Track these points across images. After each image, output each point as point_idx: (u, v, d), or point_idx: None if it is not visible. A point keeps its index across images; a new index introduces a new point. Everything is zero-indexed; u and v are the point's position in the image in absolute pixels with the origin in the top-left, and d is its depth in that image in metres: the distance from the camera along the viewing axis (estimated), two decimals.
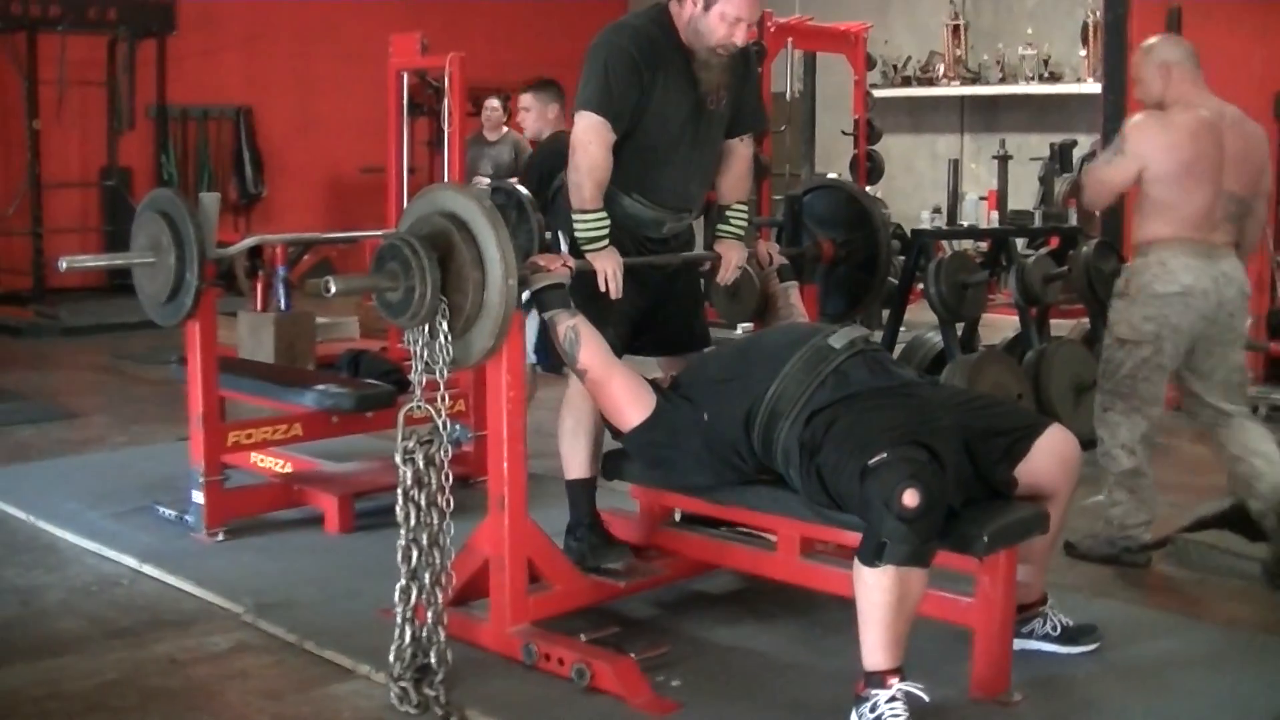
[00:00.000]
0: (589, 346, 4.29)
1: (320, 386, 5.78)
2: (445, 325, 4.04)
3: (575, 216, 4.47)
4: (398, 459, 4.08)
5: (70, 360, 10.63)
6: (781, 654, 4.40)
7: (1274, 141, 9.76)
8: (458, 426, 6.59)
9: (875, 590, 3.64)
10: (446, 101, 7.68)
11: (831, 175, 9.52)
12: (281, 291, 7.02)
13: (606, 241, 4.49)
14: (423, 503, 4.07)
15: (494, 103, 10.34)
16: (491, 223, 4.00)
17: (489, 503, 4.26)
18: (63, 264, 5.33)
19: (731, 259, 4.90)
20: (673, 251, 4.77)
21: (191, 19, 13.85)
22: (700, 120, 4.60)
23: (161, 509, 5.82)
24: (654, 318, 4.76)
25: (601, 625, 4.44)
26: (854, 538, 3.77)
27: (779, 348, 4.25)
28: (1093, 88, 11.92)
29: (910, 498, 3.58)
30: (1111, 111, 8.42)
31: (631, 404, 4.31)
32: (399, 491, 4.08)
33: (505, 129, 10.76)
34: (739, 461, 4.22)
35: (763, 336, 4.59)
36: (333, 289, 4.01)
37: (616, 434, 4.42)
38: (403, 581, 4.06)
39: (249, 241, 6.35)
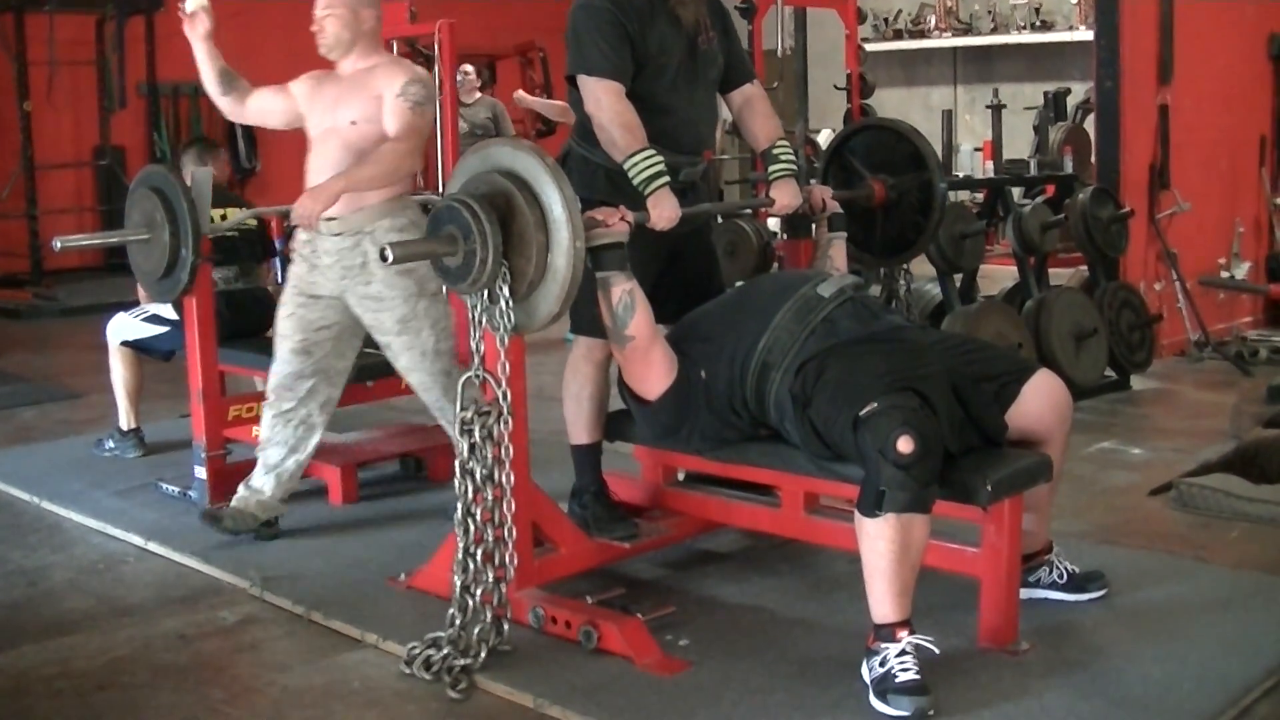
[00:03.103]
0: (641, 314, 4.12)
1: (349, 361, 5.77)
2: (507, 290, 3.88)
3: (625, 166, 4.34)
4: (454, 430, 4.00)
5: (70, 341, 10.61)
6: (789, 610, 4.40)
7: (1269, 83, 9.81)
8: None
9: (878, 540, 3.64)
10: (437, 69, 7.63)
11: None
12: (277, 264, 6.99)
13: (665, 179, 4.32)
14: (479, 476, 3.98)
15: (467, 68, 10.46)
16: (556, 181, 3.78)
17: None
18: (57, 244, 5.31)
19: (786, 199, 4.74)
20: (688, 203, 4.59)
21: None
22: (696, 60, 4.57)
23: (165, 486, 5.83)
24: (669, 282, 4.63)
25: (608, 587, 4.45)
26: (856, 490, 3.76)
27: (768, 299, 4.23)
28: (1085, 35, 11.89)
29: (905, 444, 3.58)
30: (1105, 58, 8.39)
31: (667, 373, 4.21)
32: (456, 464, 3.99)
33: (479, 93, 10.96)
34: (735, 419, 4.21)
35: (753, 287, 4.54)
36: (389, 256, 3.84)
37: (637, 401, 4.33)
38: (459, 555, 4.01)
39: (244, 213, 6.34)
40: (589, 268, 3.96)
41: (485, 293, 3.91)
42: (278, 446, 5.18)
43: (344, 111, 5.06)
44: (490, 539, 4.02)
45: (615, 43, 4.40)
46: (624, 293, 4.09)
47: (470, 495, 3.99)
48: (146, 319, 6.35)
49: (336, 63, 5.17)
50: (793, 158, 4.82)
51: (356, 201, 4.98)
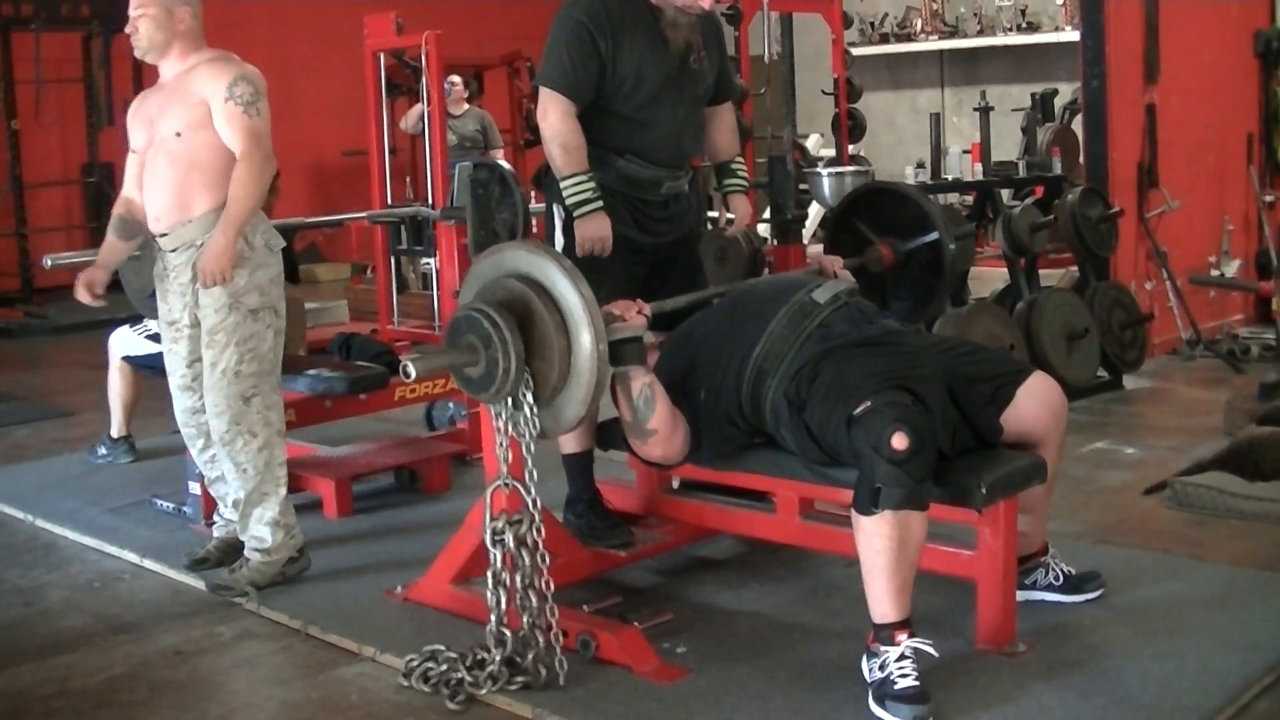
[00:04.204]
0: (662, 405, 4.10)
1: (312, 371, 5.75)
2: (530, 397, 3.81)
3: (561, 185, 4.46)
4: (486, 539, 3.95)
5: (61, 359, 10.61)
6: (786, 615, 4.40)
7: (1255, 80, 9.83)
8: (451, 404, 6.60)
9: (875, 538, 3.64)
10: (424, 80, 7.63)
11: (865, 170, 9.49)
12: None
13: (594, 205, 4.44)
14: (518, 586, 3.91)
15: (454, 79, 10.48)
16: (575, 285, 3.72)
17: (485, 479, 4.23)
18: (47, 262, 5.32)
19: (743, 211, 4.99)
20: (672, 213, 4.73)
21: None
22: (684, 78, 4.60)
23: (160, 502, 5.82)
24: (654, 290, 4.60)
25: (604, 595, 4.46)
26: (851, 496, 3.76)
27: (763, 304, 4.23)
28: (1071, 36, 11.88)
29: (899, 440, 3.59)
30: (1091, 59, 8.40)
31: (686, 438, 4.21)
32: (489, 575, 3.94)
33: (467, 105, 11.05)
34: (733, 429, 4.22)
35: (748, 292, 4.55)
36: (412, 372, 3.76)
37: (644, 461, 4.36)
38: (494, 666, 3.90)
39: None
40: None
41: (509, 400, 3.85)
42: (226, 481, 4.96)
43: (167, 123, 4.78)
44: (542, 644, 3.92)
45: (579, 59, 4.43)
46: (643, 386, 4.06)
47: (502, 608, 3.93)
48: (148, 336, 6.34)
49: (158, 68, 4.90)
50: (746, 174, 5.05)
51: (183, 214, 4.75)
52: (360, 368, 6.05)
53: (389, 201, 7.82)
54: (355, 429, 6.67)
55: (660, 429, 4.11)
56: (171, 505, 5.73)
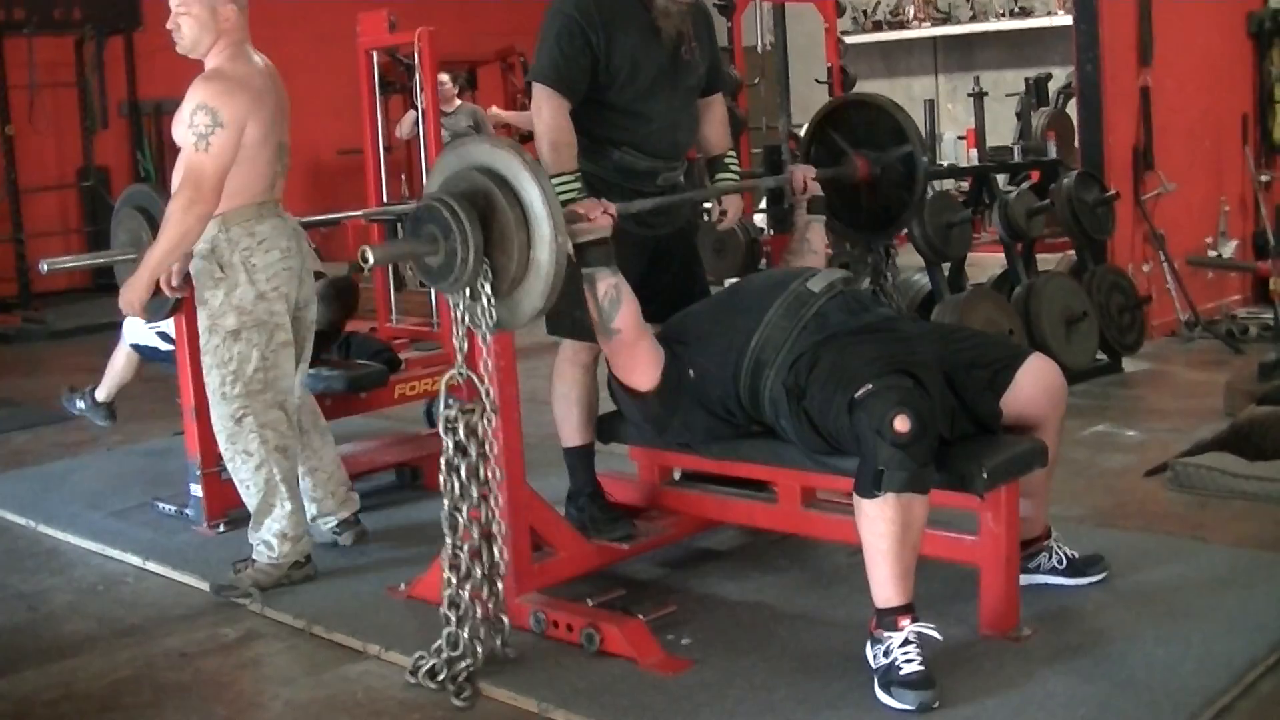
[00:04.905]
0: (627, 307, 4.10)
1: (311, 370, 5.75)
2: (488, 288, 3.83)
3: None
4: (440, 428, 3.97)
5: (60, 363, 10.60)
6: (790, 605, 4.40)
7: (1249, 61, 9.82)
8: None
9: (878, 521, 3.65)
10: (418, 77, 7.62)
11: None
12: None
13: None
14: (464, 474, 3.95)
15: (443, 77, 10.51)
16: (535, 177, 3.75)
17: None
18: (43, 266, 5.30)
19: (735, 205, 5.00)
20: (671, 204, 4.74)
21: (157, 13, 13.57)
22: (677, 69, 4.60)
23: (161, 505, 5.82)
24: (652, 282, 4.63)
25: (608, 588, 4.45)
26: (852, 484, 3.76)
27: (759, 296, 4.23)
28: (1064, 20, 11.87)
29: (901, 423, 3.59)
30: (1084, 42, 8.40)
31: (654, 364, 4.19)
32: (441, 462, 3.97)
33: (458, 101, 11.10)
34: (728, 416, 4.22)
35: (744, 285, 4.55)
36: (370, 258, 3.76)
37: (627, 395, 4.31)
38: (447, 555, 3.98)
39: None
40: (572, 265, 3.93)
41: (467, 290, 3.87)
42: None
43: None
44: (477, 536, 3.99)
45: (571, 53, 4.42)
46: (610, 287, 4.07)
47: (456, 493, 3.97)
48: (159, 333, 6.32)
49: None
50: (739, 168, 5.03)
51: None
52: (359, 366, 6.05)
53: (385, 200, 7.81)
54: (355, 427, 6.66)
55: (625, 330, 4.11)
56: (173, 508, 5.73)
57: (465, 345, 3.99)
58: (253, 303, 4.76)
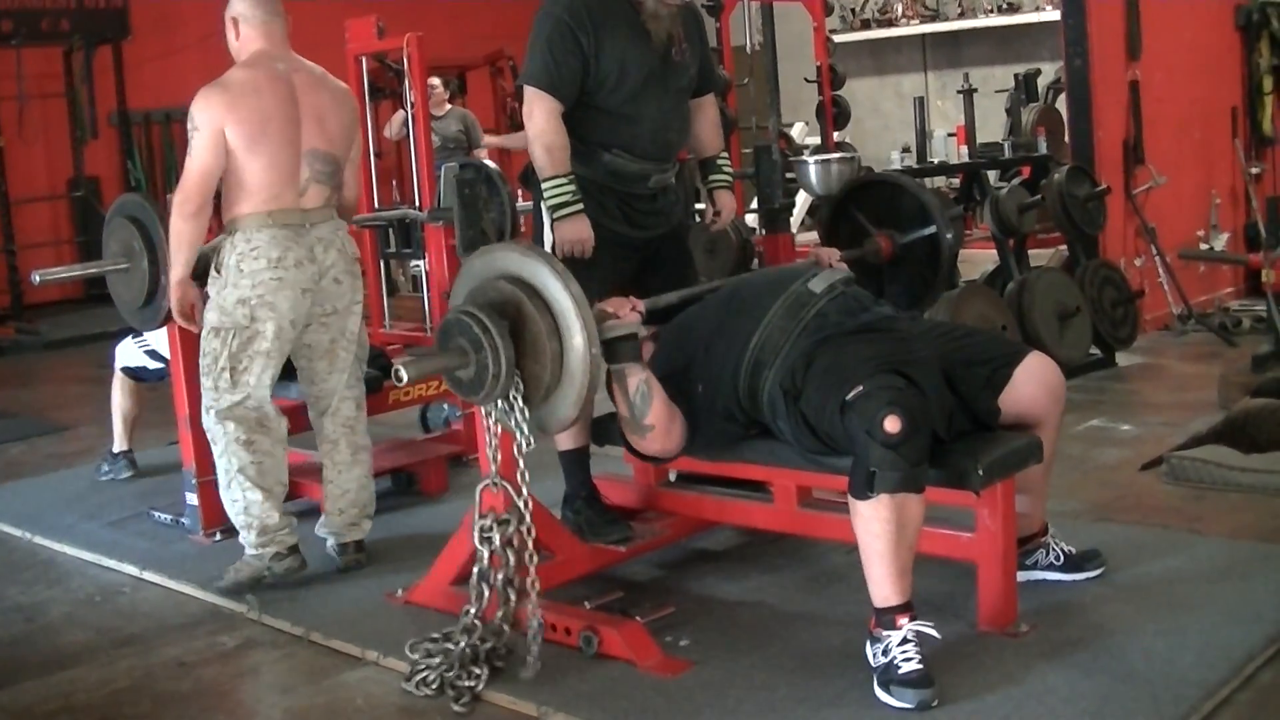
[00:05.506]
0: (658, 400, 4.08)
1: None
2: (521, 400, 3.78)
3: (542, 186, 4.46)
4: (475, 538, 3.98)
5: (55, 374, 10.61)
6: (788, 605, 4.40)
7: (1238, 54, 9.84)
8: (445, 406, 6.60)
9: (873, 522, 3.64)
10: (407, 83, 7.63)
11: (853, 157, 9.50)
12: None
13: (574, 208, 4.44)
14: (499, 585, 3.96)
15: (434, 81, 10.52)
16: (567, 287, 3.68)
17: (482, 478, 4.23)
18: (36, 278, 5.30)
19: (728, 206, 5.01)
20: (660, 207, 4.74)
21: (146, 23, 13.77)
22: (668, 71, 4.60)
23: (157, 514, 5.82)
24: (644, 284, 4.63)
25: (605, 591, 4.44)
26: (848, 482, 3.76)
27: (759, 297, 4.23)
28: (1053, 15, 11.90)
29: (892, 423, 3.58)
30: (1073, 37, 8.41)
31: (683, 431, 4.20)
32: (474, 571, 3.98)
33: (449, 105, 11.12)
34: (731, 421, 4.21)
35: (743, 285, 4.56)
36: (405, 377, 3.72)
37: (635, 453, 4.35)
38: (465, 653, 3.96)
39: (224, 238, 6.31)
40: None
41: (500, 402, 3.83)
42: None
43: None
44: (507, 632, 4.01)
45: (562, 56, 4.42)
46: (640, 382, 4.04)
47: (485, 601, 3.98)
48: (147, 351, 6.33)
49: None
50: (731, 169, 5.06)
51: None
52: None
53: (376, 205, 7.82)
54: None
55: (657, 424, 4.11)
56: (169, 517, 5.72)
57: (499, 455, 3.97)
58: (233, 306, 4.82)
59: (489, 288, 3.83)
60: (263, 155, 4.80)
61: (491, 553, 3.95)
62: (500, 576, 3.95)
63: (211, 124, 4.75)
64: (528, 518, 3.95)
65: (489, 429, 3.96)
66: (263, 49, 4.94)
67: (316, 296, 4.92)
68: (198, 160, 4.77)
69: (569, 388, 3.76)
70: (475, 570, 3.97)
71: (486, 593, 3.95)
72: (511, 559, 3.94)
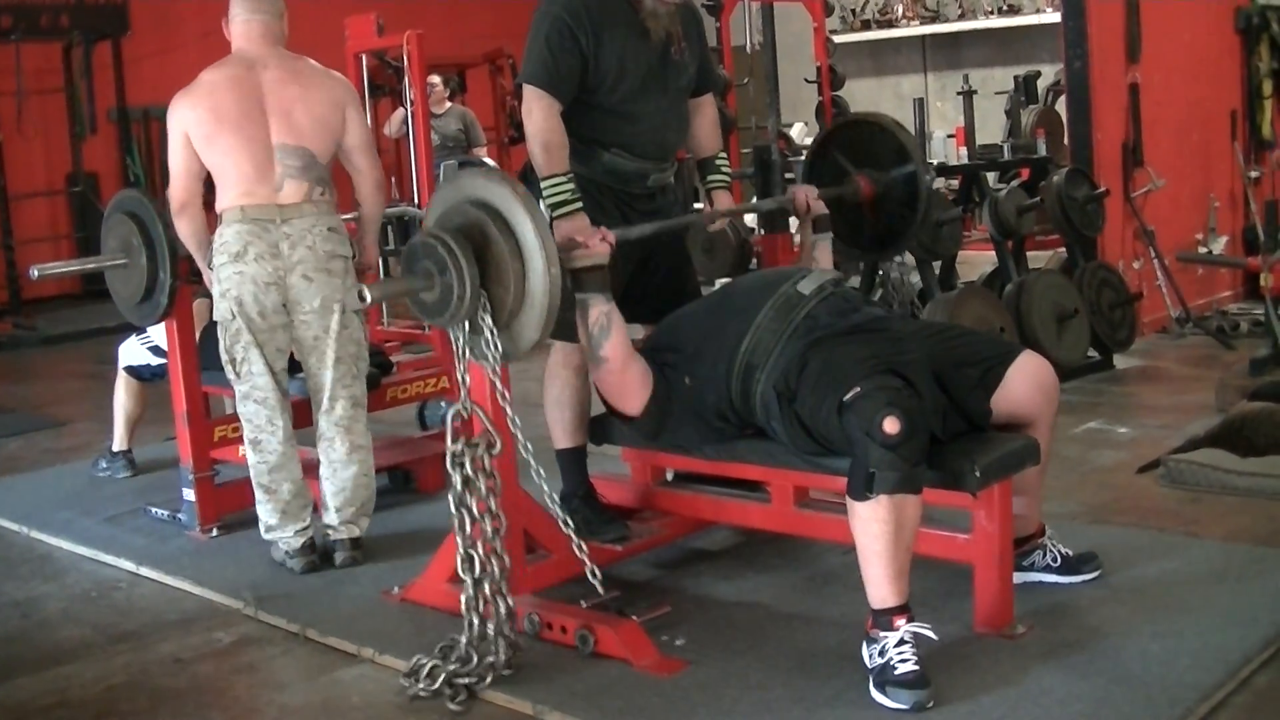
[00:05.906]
0: (616, 336, 4.12)
1: (302, 374, 5.75)
2: (489, 320, 3.84)
3: (541, 185, 4.46)
4: (447, 464, 3.98)
5: (52, 369, 10.61)
6: (784, 605, 4.40)
7: (1237, 57, 9.84)
8: (443, 403, 6.59)
9: (871, 523, 3.64)
10: (406, 80, 7.63)
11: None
12: None
13: (573, 205, 4.43)
14: (475, 509, 3.96)
15: (434, 79, 10.51)
16: (528, 209, 3.77)
17: None
18: (34, 272, 5.30)
19: (725, 206, 5.00)
20: (659, 206, 4.73)
21: (145, 19, 13.77)
22: (667, 70, 4.60)
23: (154, 510, 5.81)
24: (641, 285, 4.65)
25: (602, 590, 4.44)
26: (845, 484, 3.76)
27: (749, 299, 4.23)
28: (1053, 17, 11.90)
29: (891, 424, 3.58)
30: (1073, 39, 8.40)
31: (642, 388, 4.22)
32: (450, 498, 3.98)
33: (449, 103, 11.12)
34: (722, 423, 4.22)
35: (734, 288, 4.56)
36: (368, 297, 3.82)
37: (617, 416, 4.35)
38: (468, 592, 3.97)
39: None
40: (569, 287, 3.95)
41: (467, 324, 3.88)
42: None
43: None
44: (498, 575, 4.00)
45: (561, 54, 4.41)
46: (601, 315, 4.09)
47: (469, 529, 3.96)
48: (150, 347, 6.32)
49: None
50: (730, 170, 5.05)
51: None
52: None
53: None
54: None
55: (612, 359, 4.13)
56: (166, 513, 5.72)
57: (469, 379, 4.00)
58: (219, 299, 4.95)
59: (455, 212, 3.89)
60: (223, 153, 4.90)
61: (463, 477, 3.94)
62: (473, 503, 3.95)
63: (177, 126, 4.95)
64: (495, 441, 3.97)
65: (458, 353, 3.98)
66: (239, 47, 5.05)
67: (286, 292, 4.93)
68: (171, 161, 5.01)
69: (531, 310, 3.82)
70: (450, 498, 3.97)
71: (466, 519, 3.94)
72: (482, 484, 3.95)
